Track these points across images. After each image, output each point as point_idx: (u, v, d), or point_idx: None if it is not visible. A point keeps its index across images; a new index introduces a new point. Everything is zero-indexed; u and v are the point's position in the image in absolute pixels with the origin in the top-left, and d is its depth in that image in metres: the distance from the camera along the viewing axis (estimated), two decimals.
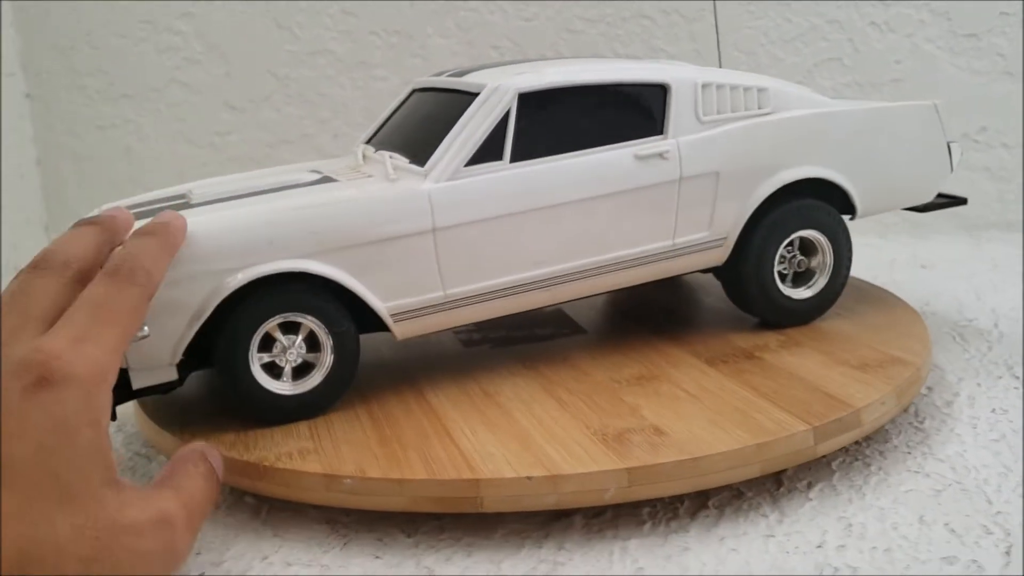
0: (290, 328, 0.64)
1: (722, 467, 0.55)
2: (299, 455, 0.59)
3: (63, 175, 1.37)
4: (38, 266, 0.51)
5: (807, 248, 0.77)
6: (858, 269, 1.01)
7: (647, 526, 0.56)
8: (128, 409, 0.77)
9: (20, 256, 1.13)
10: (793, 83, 0.77)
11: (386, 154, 0.70)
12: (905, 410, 0.68)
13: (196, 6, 1.31)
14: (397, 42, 1.31)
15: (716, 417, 0.60)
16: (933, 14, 1.25)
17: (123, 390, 0.62)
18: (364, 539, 0.56)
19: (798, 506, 0.57)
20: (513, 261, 0.68)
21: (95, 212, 0.64)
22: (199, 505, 0.50)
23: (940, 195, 0.83)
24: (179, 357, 0.62)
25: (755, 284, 0.75)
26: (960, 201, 0.83)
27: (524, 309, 0.70)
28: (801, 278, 0.77)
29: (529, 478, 0.54)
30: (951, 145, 0.79)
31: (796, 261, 0.76)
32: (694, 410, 0.62)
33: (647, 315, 0.84)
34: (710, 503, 0.58)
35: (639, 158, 0.70)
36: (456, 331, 0.83)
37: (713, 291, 0.90)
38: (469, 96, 0.69)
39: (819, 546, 0.53)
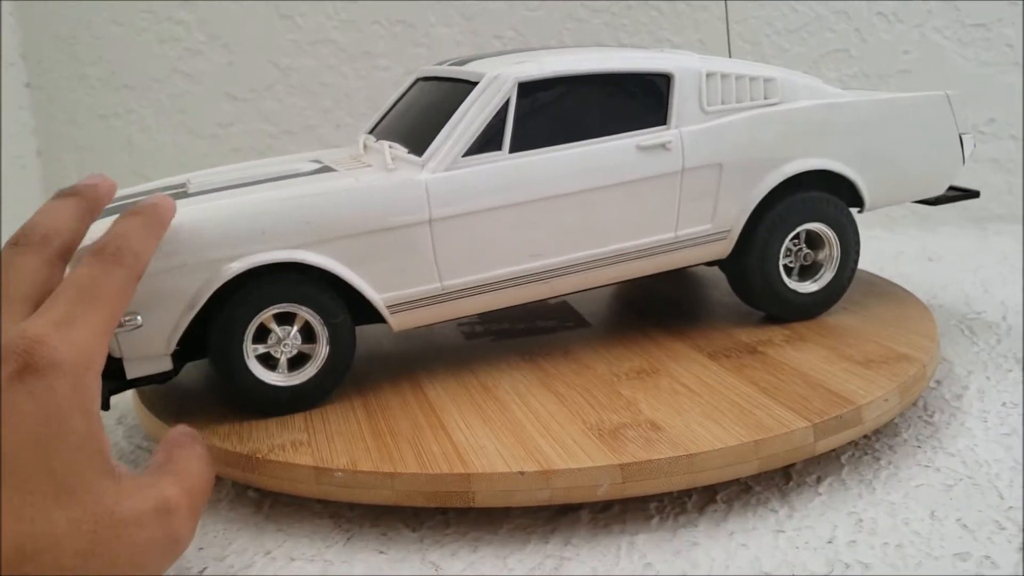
0: (285, 319, 0.63)
1: (718, 464, 0.55)
2: (292, 447, 0.58)
3: (64, 166, 1.36)
4: (18, 243, 0.49)
5: (813, 241, 0.76)
6: (865, 262, 1.01)
7: (655, 521, 0.55)
8: (128, 402, 0.77)
9: None
10: (801, 73, 0.76)
11: (385, 144, 0.69)
12: (913, 404, 0.67)
13: None
14: (400, 31, 1.30)
15: (714, 413, 0.59)
16: (941, 4, 1.24)
17: (118, 380, 0.61)
18: (368, 534, 0.56)
19: (807, 501, 0.57)
20: (512, 253, 0.67)
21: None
22: (200, 489, 0.49)
23: (952, 188, 0.82)
24: (174, 347, 0.61)
25: (760, 278, 0.74)
26: (972, 194, 0.82)
27: (523, 301, 0.70)
28: (807, 272, 0.76)
29: (521, 473, 0.53)
30: (963, 137, 0.78)
31: (802, 254, 0.75)
32: (692, 405, 0.61)
33: (651, 308, 0.83)
34: (718, 498, 0.57)
35: (641, 149, 0.69)
36: (458, 323, 0.82)
37: (719, 285, 0.89)
38: (469, 85, 0.68)
39: (829, 541, 0.52)
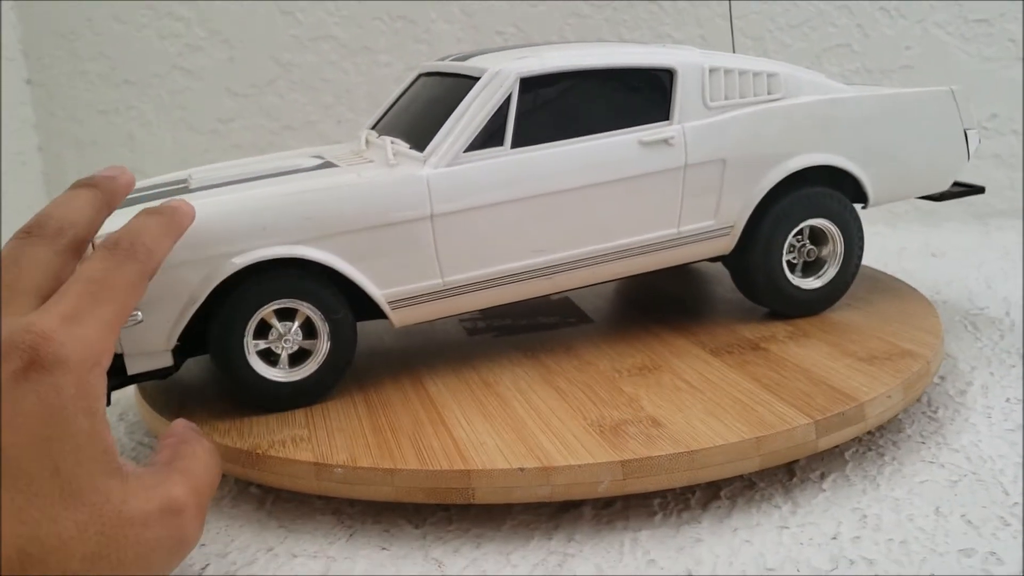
0: (286, 315, 0.63)
1: (719, 460, 0.54)
2: (292, 443, 0.58)
3: (65, 162, 1.36)
4: (31, 232, 0.48)
5: (817, 237, 0.76)
6: (868, 258, 1.01)
7: (658, 517, 0.55)
8: (129, 398, 0.77)
9: None
10: (805, 68, 0.76)
11: (387, 139, 0.69)
12: (917, 400, 0.67)
13: None
14: (401, 27, 1.30)
15: (716, 409, 0.59)
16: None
17: (119, 376, 0.61)
18: (371, 530, 0.55)
19: (811, 497, 0.56)
20: (513, 248, 0.67)
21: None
22: (207, 486, 0.48)
23: (956, 183, 0.81)
24: (174, 343, 0.61)
25: (763, 274, 0.74)
26: (977, 190, 0.81)
27: (525, 297, 0.69)
28: (811, 268, 0.76)
29: (522, 469, 0.53)
30: (968, 132, 0.78)
31: (806, 250, 0.75)
32: (694, 402, 0.61)
33: (654, 304, 0.83)
34: (722, 494, 0.57)
35: (644, 144, 0.69)
36: (460, 319, 0.82)
37: (722, 281, 0.89)
38: (471, 80, 0.68)
39: (834, 538, 0.52)
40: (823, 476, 0.59)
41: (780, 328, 0.74)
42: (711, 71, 0.70)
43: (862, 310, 0.77)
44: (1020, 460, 0.59)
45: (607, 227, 0.69)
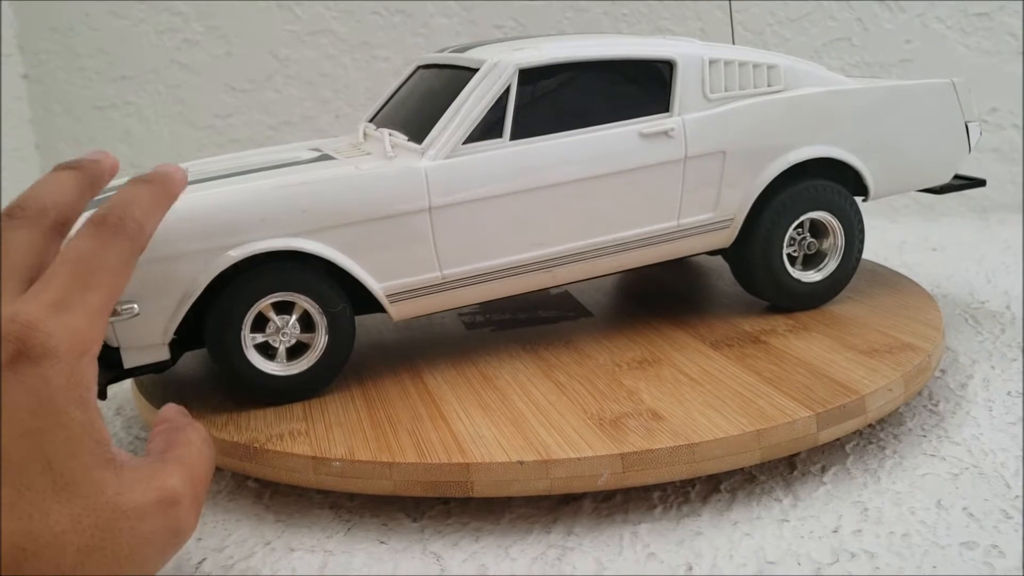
0: (284, 308, 0.63)
1: (719, 453, 0.54)
2: (290, 437, 0.58)
3: (62, 157, 1.35)
4: (13, 215, 0.46)
5: (817, 230, 0.75)
6: (868, 251, 1.01)
7: (658, 510, 0.55)
8: (127, 392, 0.76)
9: None
10: (805, 60, 0.75)
11: (385, 131, 0.68)
12: (918, 394, 0.67)
13: None
14: (399, 21, 1.29)
15: (716, 402, 0.59)
16: None
17: (116, 369, 0.60)
18: (368, 524, 0.55)
19: (812, 490, 0.56)
20: (513, 241, 0.66)
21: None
22: (202, 475, 0.47)
23: (957, 176, 0.81)
24: (171, 336, 0.61)
25: (763, 267, 0.73)
26: (978, 183, 0.81)
27: (525, 291, 0.69)
28: (811, 261, 0.76)
29: (521, 462, 0.53)
30: (969, 125, 0.77)
31: (806, 243, 0.75)
32: (694, 395, 0.60)
33: (654, 298, 0.83)
34: (722, 487, 0.57)
35: (643, 136, 0.68)
36: (459, 313, 0.81)
37: (722, 274, 0.88)
38: (469, 72, 0.68)
39: (835, 531, 0.51)
40: (824, 469, 0.59)
41: (780, 321, 0.73)
42: (711, 63, 0.70)
43: (863, 303, 0.76)
44: (1021, 453, 0.59)
45: (607, 220, 0.68)
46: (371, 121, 0.77)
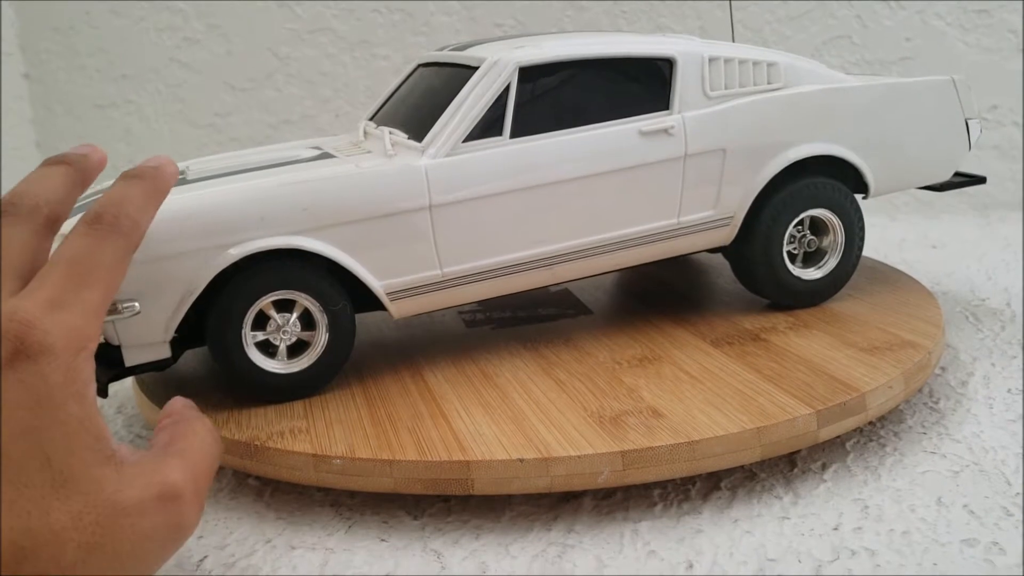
0: (284, 306, 0.63)
1: (719, 451, 0.54)
2: (291, 434, 0.58)
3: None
4: (6, 212, 0.46)
5: (818, 228, 0.75)
6: (868, 249, 1.01)
7: (658, 508, 0.55)
8: (128, 390, 0.76)
9: None
10: (805, 58, 0.75)
11: (385, 130, 0.68)
12: (918, 391, 0.67)
13: None
14: (399, 20, 1.29)
15: (716, 400, 0.59)
16: None
17: (117, 367, 0.60)
18: (369, 521, 0.55)
19: (812, 487, 0.56)
20: (513, 239, 0.66)
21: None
22: (205, 470, 0.46)
23: (957, 174, 0.81)
24: (172, 334, 0.61)
25: (763, 264, 0.73)
26: (979, 180, 0.81)
27: (525, 288, 0.69)
28: (811, 258, 0.76)
29: (521, 460, 0.53)
30: (969, 122, 0.77)
31: (806, 241, 0.75)
32: (694, 392, 0.60)
33: (654, 296, 0.83)
34: (722, 484, 0.57)
35: (643, 134, 0.68)
36: (459, 311, 0.81)
37: (722, 272, 0.88)
38: (469, 70, 0.68)
39: (835, 528, 0.51)
40: (824, 467, 0.59)
41: (781, 319, 0.73)
42: (711, 60, 0.70)
43: (863, 301, 0.76)
44: (1022, 450, 0.59)
45: (607, 217, 0.68)
46: (371, 119, 0.77)
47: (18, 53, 1.34)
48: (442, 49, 0.76)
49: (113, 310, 0.58)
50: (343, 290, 0.64)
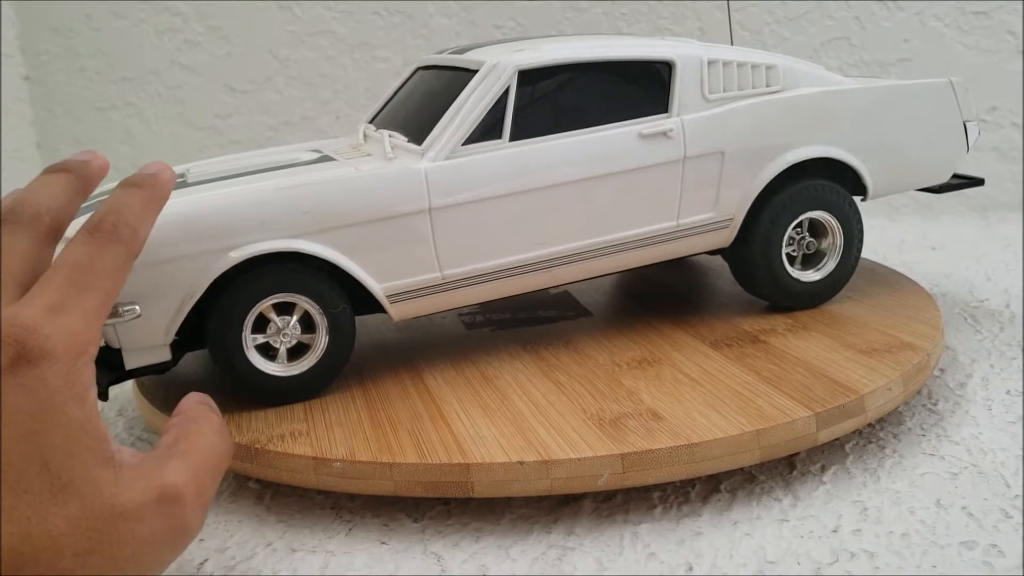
0: (285, 309, 0.63)
1: (719, 453, 0.54)
2: (291, 437, 0.58)
3: (63, 158, 1.35)
4: (7, 220, 0.46)
5: (817, 230, 0.75)
6: (867, 250, 1.01)
7: (658, 510, 0.55)
8: (128, 393, 0.76)
9: None
10: (804, 60, 0.75)
11: (385, 133, 0.68)
12: (917, 393, 0.67)
13: None
14: (399, 22, 1.30)
15: (716, 402, 0.59)
16: None
17: (117, 370, 0.61)
18: (369, 524, 0.55)
19: (812, 490, 0.56)
20: (512, 242, 0.67)
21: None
22: (211, 469, 0.45)
23: (956, 176, 0.81)
24: (172, 337, 0.61)
25: (763, 266, 0.73)
26: (977, 182, 0.81)
27: (524, 291, 0.69)
28: (810, 260, 0.76)
29: (521, 463, 0.53)
30: (967, 124, 0.77)
31: (805, 243, 0.75)
32: (694, 395, 0.60)
33: (654, 298, 0.83)
34: (722, 487, 0.57)
35: (643, 137, 0.68)
36: (459, 313, 0.82)
37: (722, 274, 0.88)
38: (469, 73, 0.68)
39: (834, 530, 0.52)
40: (823, 469, 0.59)
41: (780, 321, 0.74)
42: (710, 63, 0.70)
43: (862, 303, 0.76)
44: (1021, 452, 0.59)
45: (606, 220, 0.69)
46: (371, 122, 0.77)
47: (18, 55, 1.34)
48: (441, 52, 0.76)
49: (114, 313, 0.58)
50: (343, 293, 0.64)
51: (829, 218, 0.74)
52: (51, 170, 0.50)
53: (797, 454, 0.60)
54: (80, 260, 0.44)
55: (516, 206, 0.66)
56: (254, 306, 0.62)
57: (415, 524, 0.55)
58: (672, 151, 0.69)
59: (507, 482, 0.53)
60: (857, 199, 0.76)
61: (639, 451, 0.53)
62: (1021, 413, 0.65)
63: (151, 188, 0.50)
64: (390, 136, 0.68)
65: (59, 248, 0.47)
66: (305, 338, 0.64)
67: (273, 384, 0.63)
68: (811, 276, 0.75)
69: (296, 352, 0.64)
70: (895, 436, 0.63)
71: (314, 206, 0.61)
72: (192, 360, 0.73)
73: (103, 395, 0.58)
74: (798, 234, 0.74)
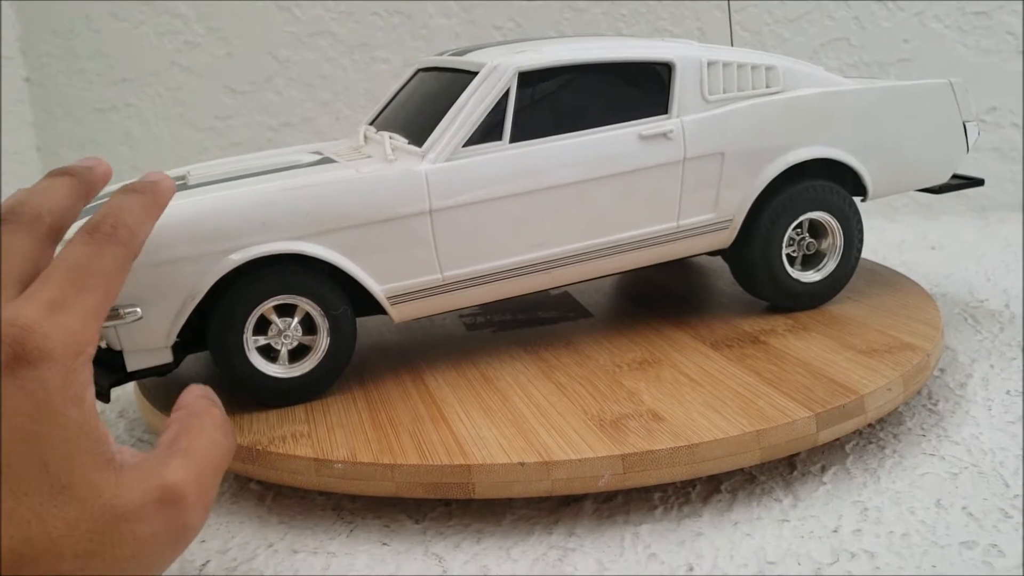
0: (286, 310, 0.63)
1: (719, 454, 0.54)
2: (292, 439, 0.58)
3: (63, 160, 1.36)
4: (7, 220, 0.45)
5: (817, 230, 0.76)
6: (867, 251, 1.01)
7: (659, 511, 0.55)
8: (129, 395, 0.77)
9: None
10: (804, 61, 0.75)
11: (386, 135, 0.69)
12: (917, 393, 0.67)
13: None
14: (399, 23, 1.30)
15: (716, 403, 0.59)
16: None
17: (119, 372, 0.61)
18: (371, 525, 0.55)
19: (812, 490, 0.56)
20: (512, 243, 0.67)
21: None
22: (213, 466, 0.45)
23: (955, 176, 0.81)
24: (174, 339, 0.61)
25: (763, 267, 0.73)
26: (977, 182, 0.81)
27: (525, 292, 0.69)
28: (810, 261, 0.76)
29: (522, 464, 0.53)
30: (967, 124, 0.78)
31: (805, 244, 0.75)
32: (694, 395, 0.61)
33: (654, 299, 0.83)
34: (722, 487, 0.57)
35: (643, 138, 0.68)
36: (460, 314, 0.82)
37: (722, 275, 0.89)
38: (469, 75, 0.68)
39: (835, 531, 0.52)
40: (824, 469, 0.59)
41: (780, 321, 0.74)
42: (709, 64, 0.70)
43: (862, 303, 0.77)
44: (1021, 452, 0.59)
45: (606, 221, 0.69)
46: (371, 124, 0.77)
47: (19, 56, 1.34)
48: (442, 54, 0.76)
49: (115, 315, 0.58)
50: (344, 294, 0.64)
51: (829, 219, 0.74)
52: (54, 174, 0.50)
53: (797, 454, 0.60)
54: (79, 260, 0.44)
55: (516, 207, 0.66)
56: (255, 308, 0.62)
57: (416, 525, 0.55)
58: (672, 152, 0.69)
59: (508, 483, 0.53)
60: (857, 200, 0.76)
61: (640, 452, 0.53)
62: (1021, 413, 0.65)
63: (151, 194, 0.50)
64: (391, 138, 0.68)
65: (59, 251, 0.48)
66: (306, 340, 0.64)
67: (274, 386, 0.63)
68: (811, 277, 0.75)
69: (297, 354, 0.64)
70: (895, 436, 0.63)
71: (315, 208, 0.62)
72: (194, 362, 0.73)
73: (105, 397, 0.58)
74: (798, 235, 0.75)
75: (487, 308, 0.83)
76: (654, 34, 1.27)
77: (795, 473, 0.58)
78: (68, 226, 0.48)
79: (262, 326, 0.63)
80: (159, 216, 0.51)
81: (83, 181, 0.50)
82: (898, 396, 0.61)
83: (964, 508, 0.53)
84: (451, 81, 0.70)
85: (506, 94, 0.66)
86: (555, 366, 0.68)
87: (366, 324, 0.77)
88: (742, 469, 0.59)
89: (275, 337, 0.63)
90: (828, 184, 0.74)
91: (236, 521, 0.57)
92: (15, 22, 1.33)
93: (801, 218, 0.74)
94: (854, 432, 0.62)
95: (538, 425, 0.58)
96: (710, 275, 0.89)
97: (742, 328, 0.73)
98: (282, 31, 1.31)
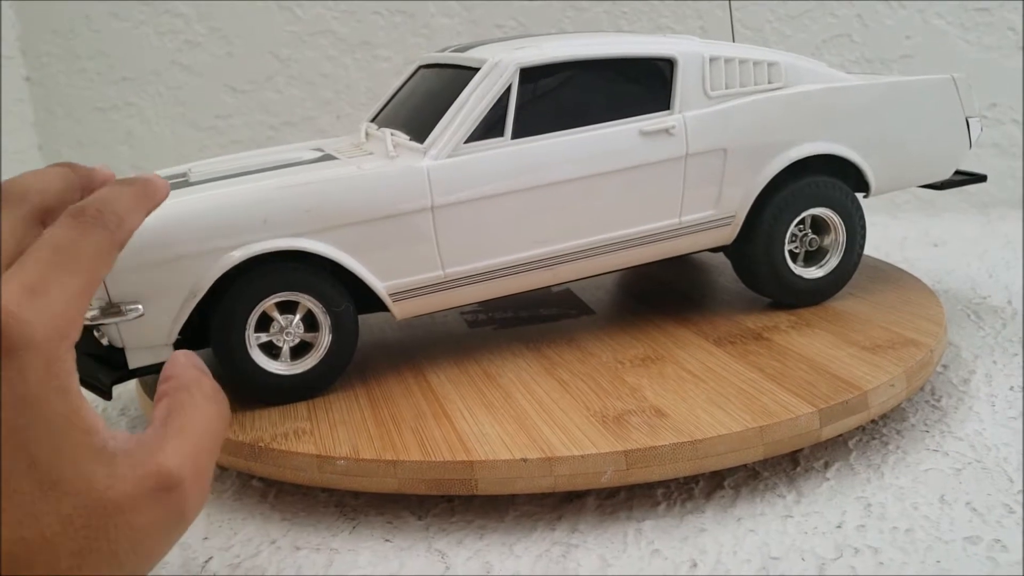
0: (288, 307, 0.63)
1: (722, 450, 0.54)
2: (295, 435, 0.58)
3: (64, 159, 1.35)
4: None
5: (819, 226, 0.75)
6: (869, 247, 1.01)
7: (662, 507, 0.55)
8: (131, 392, 0.77)
9: None
10: (806, 57, 0.75)
11: (387, 131, 0.68)
12: (920, 389, 0.67)
13: None
14: (400, 21, 1.30)
15: (719, 399, 0.59)
16: None
17: (121, 370, 0.61)
18: (374, 522, 0.55)
19: (815, 486, 0.56)
20: (514, 240, 0.67)
21: None
22: (208, 445, 0.42)
23: (958, 172, 0.81)
24: (175, 336, 0.61)
25: (765, 263, 0.73)
26: (979, 178, 0.81)
27: (526, 289, 0.69)
28: (813, 257, 0.76)
29: (524, 460, 0.53)
30: (970, 120, 0.77)
31: (808, 240, 0.75)
32: (697, 392, 0.61)
33: (656, 295, 0.83)
34: (726, 483, 0.57)
35: (644, 134, 0.68)
36: (461, 312, 0.82)
37: (724, 271, 0.88)
38: (471, 71, 0.68)
39: (838, 526, 0.52)
40: (827, 465, 0.59)
41: (783, 318, 0.74)
42: (711, 60, 0.70)
43: (864, 299, 0.76)
44: (1023, 447, 0.59)
45: (608, 218, 0.69)
46: (373, 121, 0.77)
47: (19, 56, 1.34)
48: (443, 50, 0.76)
49: (117, 312, 0.58)
50: (346, 291, 0.64)
51: (832, 215, 0.74)
52: (52, 165, 0.49)
53: (801, 450, 0.60)
54: (62, 242, 0.41)
55: (518, 204, 0.66)
56: (257, 305, 0.62)
57: (419, 521, 0.55)
58: (674, 148, 0.69)
59: (511, 479, 0.53)
60: (859, 196, 0.76)
61: (643, 448, 0.53)
62: (1023, 409, 0.65)
63: (142, 187, 0.48)
64: (392, 135, 0.68)
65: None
66: (308, 337, 0.64)
67: (276, 383, 0.63)
68: (814, 273, 0.75)
69: (299, 351, 0.64)
70: (898, 432, 0.63)
71: (316, 205, 0.61)
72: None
73: (107, 394, 0.58)
74: (800, 231, 0.74)
75: (489, 305, 0.83)
76: (656, 31, 1.27)
77: (798, 469, 0.58)
78: (57, 212, 0.46)
79: (264, 323, 0.63)
80: (150, 209, 0.49)
81: (81, 176, 0.49)
82: (901, 392, 0.61)
83: (968, 504, 0.53)
84: (453, 77, 0.70)
85: (508, 90, 0.66)
86: (557, 363, 0.68)
87: (368, 321, 0.77)
88: (745, 465, 0.58)
89: (277, 334, 0.63)
90: (831, 180, 0.74)
91: (239, 518, 0.57)
92: (15, 22, 1.33)
93: (804, 214, 0.73)
94: (857, 428, 0.61)
95: (541, 421, 0.57)
96: (712, 271, 0.89)
97: (745, 324, 0.73)
98: (283, 30, 1.31)
